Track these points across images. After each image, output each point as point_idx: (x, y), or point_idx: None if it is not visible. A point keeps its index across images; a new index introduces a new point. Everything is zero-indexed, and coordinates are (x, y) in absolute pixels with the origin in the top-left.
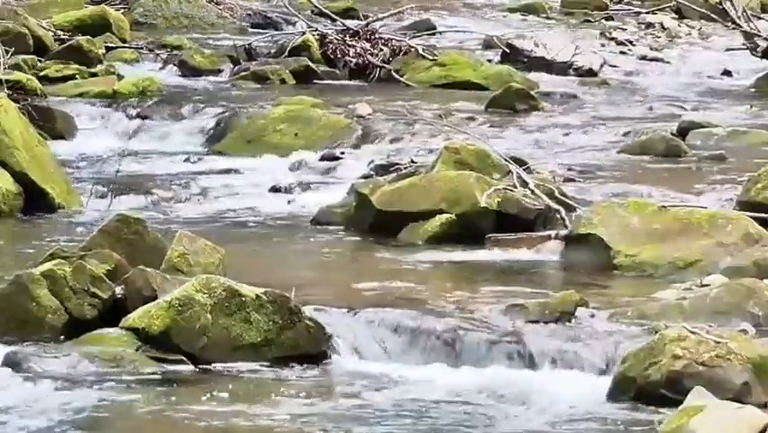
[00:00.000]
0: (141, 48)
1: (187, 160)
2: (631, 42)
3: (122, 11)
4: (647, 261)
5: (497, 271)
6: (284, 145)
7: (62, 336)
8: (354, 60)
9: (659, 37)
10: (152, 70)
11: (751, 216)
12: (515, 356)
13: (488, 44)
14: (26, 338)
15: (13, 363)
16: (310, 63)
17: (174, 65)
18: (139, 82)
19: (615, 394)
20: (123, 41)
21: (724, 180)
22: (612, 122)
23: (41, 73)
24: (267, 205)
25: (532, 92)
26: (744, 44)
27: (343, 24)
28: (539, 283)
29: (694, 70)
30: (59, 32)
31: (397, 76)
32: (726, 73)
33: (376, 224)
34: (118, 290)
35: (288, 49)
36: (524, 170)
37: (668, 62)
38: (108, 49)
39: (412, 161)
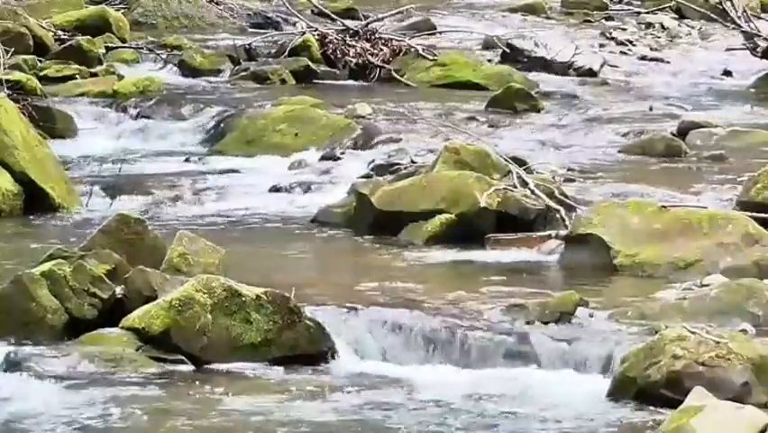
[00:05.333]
0: (141, 48)
1: (187, 160)
2: (631, 42)
3: (122, 11)
4: (647, 261)
5: (497, 271)
6: (284, 145)
7: (62, 336)
8: (354, 60)
9: (659, 37)
10: (152, 70)
11: (751, 216)
12: (515, 356)
13: (488, 44)
14: (26, 338)
15: (13, 363)
16: (310, 63)
17: (174, 65)
18: (139, 82)
19: (615, 394)
20: (123, 41)
21: (724, 180)
22: (612, 122)
23: (41, 73)
24: (267, 205)
25: (532, 92)
26: (744, 44)
27: (343, 24)
28: (539, 283)
29: (694, 70)
30: (59, 32)
31: (397, 76)
32: (727, 73)
33: (376, 224)
34: (118, 290)
35: (288, 49)
36: (524, 170)
37: (668, 62)
38: (108, 49)
39: (412, 161)
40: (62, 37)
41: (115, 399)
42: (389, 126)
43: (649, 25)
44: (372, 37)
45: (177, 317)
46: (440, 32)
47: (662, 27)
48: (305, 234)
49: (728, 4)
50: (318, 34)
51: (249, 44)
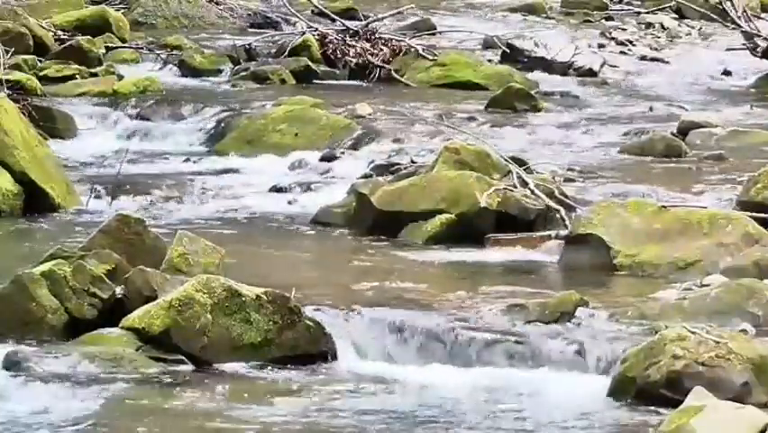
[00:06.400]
0: (141, 48)
1: (187, 160)
2: (631, 42)
3: (122, 11)
4: (647, 261)
5: (497, 271)
6: (284, 145)
7: (62, 336)
8: (354, 60)
9: (659, 37)
10: (152, 70)
11: (751, 216)
12: (515, 356)
13: (488, 44)
14: (26, 338)
15: (13, 364)
16: (310, 63)
17: (174, 65)
18: (139, 82)
19: (615, 394)
20: (123, 41)
21: (724, 180)
22: (612, 122)
23: (41, 73)
24: (267, 205)
25: (532, 92)
26: (744, 44)
27: (343, 24)
28: (539, 283)
29: (694, 70)
30: (59, 32)
31: (397, 76)
32: (727, 73)
33: (376, 224)
34: (118, 290)
35: (288, 49)
36: (524, 170)
37: (668, 62)
38: (108, 49)
39: (412, 161)
40: (62, 37)
41: (115, 399)
42: (389, 126)
43: (649, 25)
44: (372, 37)
45: (177, 317)
46: (440, 32)
47: (662, 27)
48: (305, 234)
49: (728, 4)
50: (318, 34)
51: (249, 44)
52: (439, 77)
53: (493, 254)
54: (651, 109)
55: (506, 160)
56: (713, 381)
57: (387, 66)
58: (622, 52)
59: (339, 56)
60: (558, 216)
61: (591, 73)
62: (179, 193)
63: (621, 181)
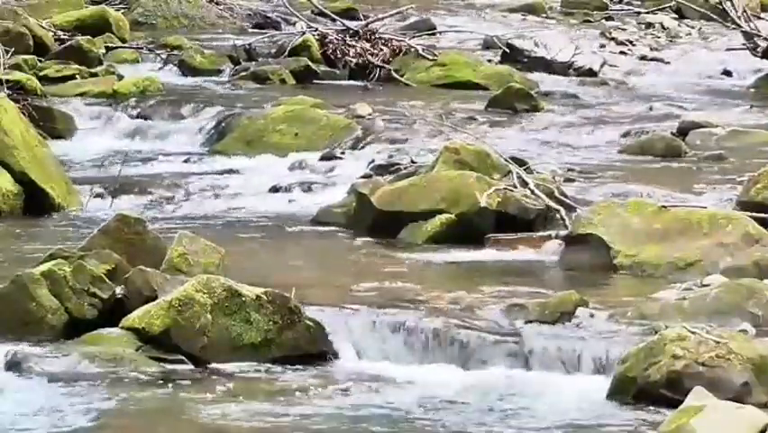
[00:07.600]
0: (141, 48)
1: (187, 160)
2: (631, 42)
3: (122, 11)
4: (647, 261)
5: (497, 271)
6: (284, 145)
7: (62, 336)
8: (354, 60)
9: (659, 37)
10: (152, 70)
11: (751, 216)
12: (515, 356)
13: (488, 44)
14: (26, 338)
15: (13, 364)
16: (310, 63)
17: (174, 65)
18: (139, 82)
19: (615, 394)
20: (123, 41)
21: (724, 180)
22: (612, 122)
23: (41, 73)
24: (267, 205)
25: (532, 92)
26: (744, 44)
27: (343, 24)
28: (539, 283)
29: (694, 70)
30: (59, 32)
31: (397, 76)
32: (727, 73)
33: (376, 224)
34: (118, 290)
35: (288, 49)
36: (524, 170)
37: (668, 62)
38: (108, 49)
39: (412, 161)
40: (62, 37)
41: (115, 399)
42: (389, 126)
43: (649, 25)
44: (372, 37)
45: (177, 317)
46: (440, 32)
47: (663, 27)
48: (305, 234)
49: (728, 4)
50: (318, 34)
51: (249, 44)
52: (439, 77)
53: (493, 254)
54: (651, 109)
55: (506, 160)
56: (713, 381)
57: (387, 66)
58: (622, 52)
59: (339, 56)
60: (558, 216)
61: (591, 73)
62: (179, 193)
63: (621, 181)
